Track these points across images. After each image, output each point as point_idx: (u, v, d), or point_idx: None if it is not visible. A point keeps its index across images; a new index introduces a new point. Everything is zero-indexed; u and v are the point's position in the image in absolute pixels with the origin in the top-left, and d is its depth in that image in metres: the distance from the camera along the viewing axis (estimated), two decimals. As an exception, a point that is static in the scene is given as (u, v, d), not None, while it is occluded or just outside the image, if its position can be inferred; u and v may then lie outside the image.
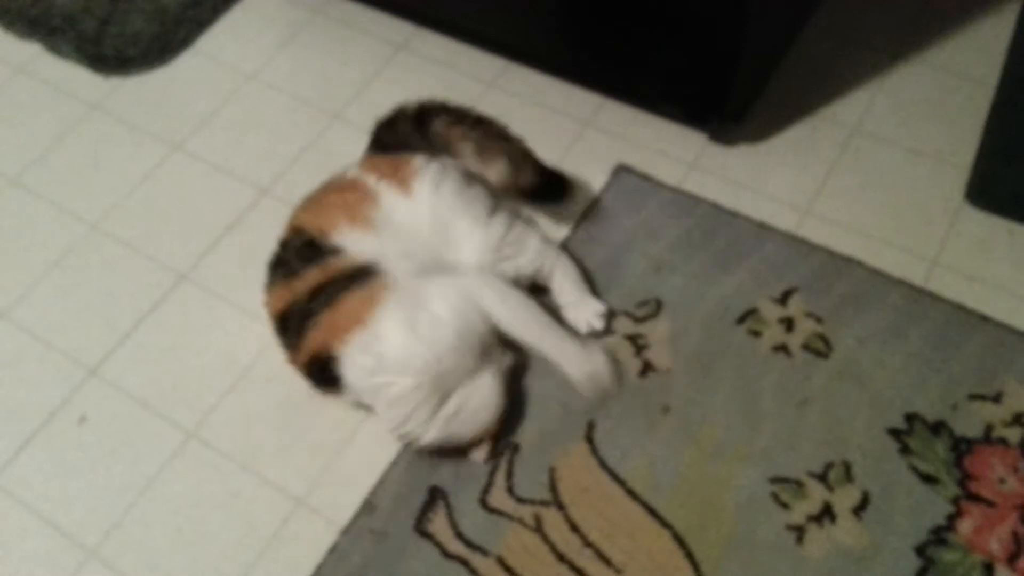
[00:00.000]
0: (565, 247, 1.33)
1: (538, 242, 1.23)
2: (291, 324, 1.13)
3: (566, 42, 1.49)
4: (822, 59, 1.55)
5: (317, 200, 1.22)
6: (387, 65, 1.60)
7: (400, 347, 1.07)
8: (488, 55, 1.59)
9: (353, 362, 1.09)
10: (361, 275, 1.11)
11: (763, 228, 1.34)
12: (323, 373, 1.12)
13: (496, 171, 1.24)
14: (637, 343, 1.24)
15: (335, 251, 1.12)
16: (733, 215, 1.36)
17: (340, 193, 1.20)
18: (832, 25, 1.60)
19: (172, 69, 1.62)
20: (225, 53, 1.64)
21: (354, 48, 1.63)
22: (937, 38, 1.57)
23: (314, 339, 1.11)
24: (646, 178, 1.41)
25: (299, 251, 1.15)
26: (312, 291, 1.11)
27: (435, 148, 1.25)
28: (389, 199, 1.17)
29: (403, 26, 1.64)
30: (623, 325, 1.26)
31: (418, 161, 1.20)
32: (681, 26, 1.32)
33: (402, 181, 1.18)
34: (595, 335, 1.24)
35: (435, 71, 1.58)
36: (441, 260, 1.16)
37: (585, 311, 1.24)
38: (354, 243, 1.13)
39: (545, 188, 1.28)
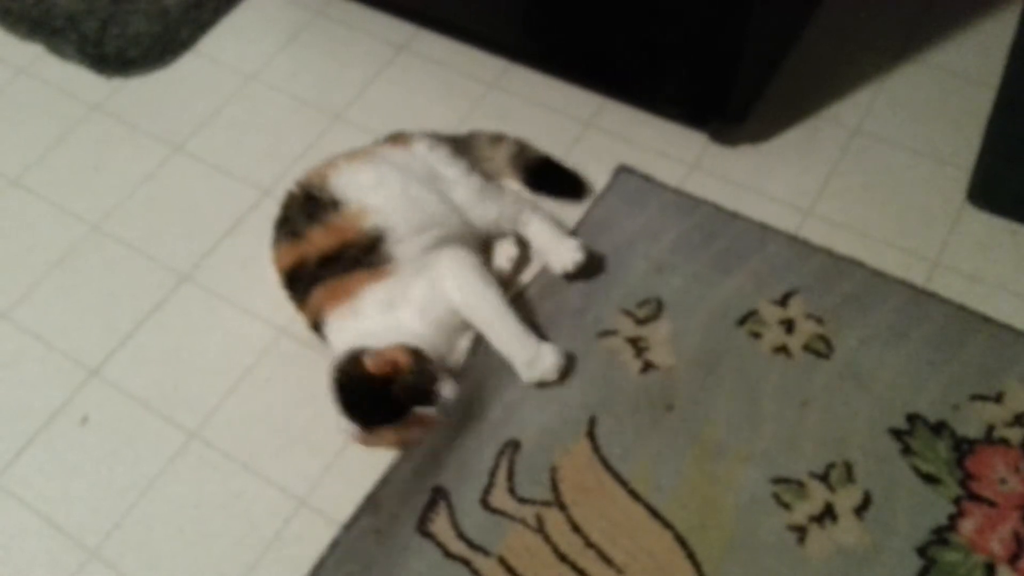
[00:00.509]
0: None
1: (515, 196, 1.35)
2: (299, 285, 1.22)
3: (567, 42, 1.49)
4: (824, 60, 1.55)
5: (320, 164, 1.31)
6: (388, 66, 1.60)
7: (375, 323, 1.16)
8: (489, 56, 1.59)
9: (335, 328, 1.18)
10: (370, 250, 1.19)
11: (764, 229, 1.34)
12: (320, 333, 1.21)
13: (506, 147, 1.40)
14: (638, 345, 1.24)
15: (335, 204, 1.21)
16: (734, 216, 1.36)
17: (344, 154, 1.32)
18: (834, 26, 1.60)
19: (173, 70, 1.62)
20: (226, 54, 1.64)
21: (355, 49, 1.63)
22: (939, 39, 1.57)
23: (315, 302, 1.20)
24: (647, 179, 1.41)
25: (301, 205, 1.24)
26: (321, 259, 1.19)
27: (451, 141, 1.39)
28: (389, 151, 1.31)
29: (404, 27, 1.65)
30: (625, 326, 1.26)
31: (417, 134, 1.35)
32: (682, 26, 1.32)
33: (403, 143, 1.33)
34: (579, 266, 1.27)
35: (436, 72, 1.58)
36: (435, 212, 1.25)
37: (563, 249, 1.28)
38: (355, 184, 1.23)
39: (551, 172, 1.41)
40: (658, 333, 1.25)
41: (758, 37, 1.34)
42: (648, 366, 1.22)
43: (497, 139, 1.41)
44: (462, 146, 1.39)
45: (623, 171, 1.42)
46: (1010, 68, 1.23)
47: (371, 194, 1.22)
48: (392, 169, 1.26)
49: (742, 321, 1.25)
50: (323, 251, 1.19)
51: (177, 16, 1.67)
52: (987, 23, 1.58)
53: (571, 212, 1.38)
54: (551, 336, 1.25)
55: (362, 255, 1.19)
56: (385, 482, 1.15)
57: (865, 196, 1.39)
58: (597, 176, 1.42)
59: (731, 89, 1.38)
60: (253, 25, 1.68)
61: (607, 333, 1.26)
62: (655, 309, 1.27)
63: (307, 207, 1.23)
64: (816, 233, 1.34)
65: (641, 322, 1.26)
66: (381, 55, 1.61)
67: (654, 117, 1.49)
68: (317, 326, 1.21)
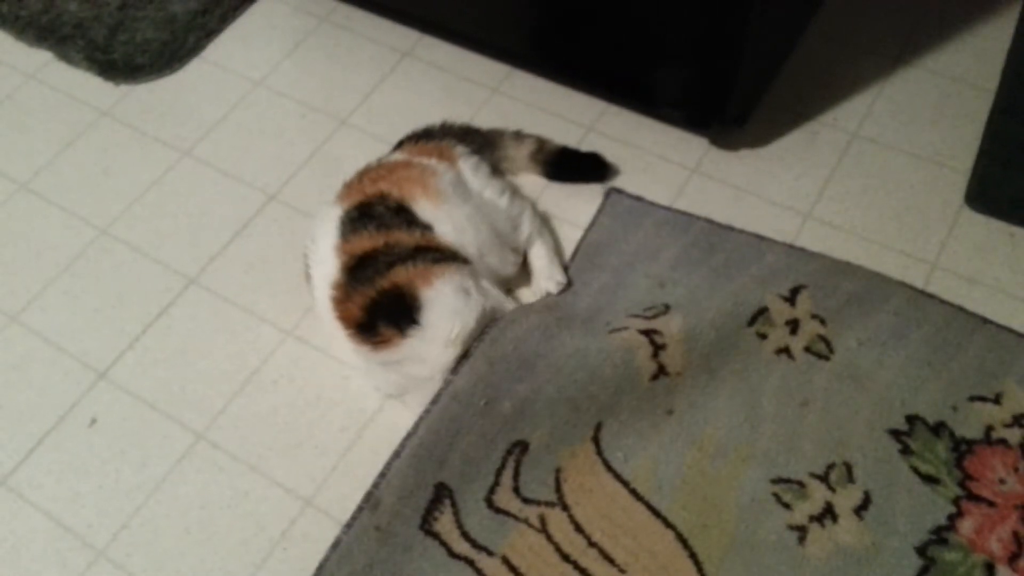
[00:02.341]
0: (566, 274, 1.34)
1: (530, 215, 1.36)
2: (375, 264, 1.20)
3: (568, 48, 1.50)
4: (823, 64, 1.57)
5: (384, 175, 1.29)
6: (392, 71, 1.62)
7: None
8: (492, 61, 1.60)
9: (442, 294, 1.18)
10: (456, 257, 1.24)
11: (761, 240, 1.35)
12: (394, 306, 1.17)
13: (528, 145, 1.44)
14: (654, 340, 1.22)
15: (427, 226, 1.25)
16: (729, 229, 1.37)
17: (406, 168, 1.30)
18: (832, 30, 1.61)
19: (181, 76, 1.64)
20: (233, 60, 1.66)
21: (360, 55, 1.65)
22: (937, 43, 1.58)
23: (401, 275, 1.18)
24: (638, 199, 1.41)
25: (393, 211, 1.24)
26: (417, 247, 1.21)
27: (475, 141, 1.42)
28: (444, 170, 1.31)
29: (409, 33, 1.66)
30: (636, 324, 1.25)
31: (459, 148, 1.37)
32: (683, 31, 1.34)
33: (451, 160, 1.34)
34: (560, 287, 1.33)
35: (440, 77, 1.60)
36: (493, 231, 1.31)
37: (547, 276, 1.33)
38: (438, 222, 1.26)
39: (570, 161, 1.46)
40: (671, 326, 1.23)
41: (758, 42, 1.35)
42: (661, 371, 1.21)
43: (520, 136, 1.45)
44: (487, 143, 1.42)
45: (613, 192, 1.42)
46: (1008, 72, 1.25)
47: (451, 233, 1.25)
48: (466, 210, 1.28)
49: (752, 320, 1.26)
50: (418, 243, 1.22)
51: (184, 23, 1.69)
52: (985, 28, 1.59)
53: (569, 236, 1.39)
54: (565, 336, 1.25)
55: (447, 258, 1.23)
56: (383, 477, 1.15)
57: (864, 199, 1.40)
58: (594, 186, 1.44)
59: (731, 94, 1.39)
60: (259, 31, 1.70)
61: (620, 330, 1.25)
62: (663, 309, 1.28)
63: (403, 216, 1.24)
64: (815, 236, 1.36)
65: (651, 319, 1.26)
66: (386, 61, 1.63)
67: (655, 122, 1.50)
68: (397, 302, 1.18)
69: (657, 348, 1.22)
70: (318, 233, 1.25)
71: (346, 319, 1.19)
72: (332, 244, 1.22)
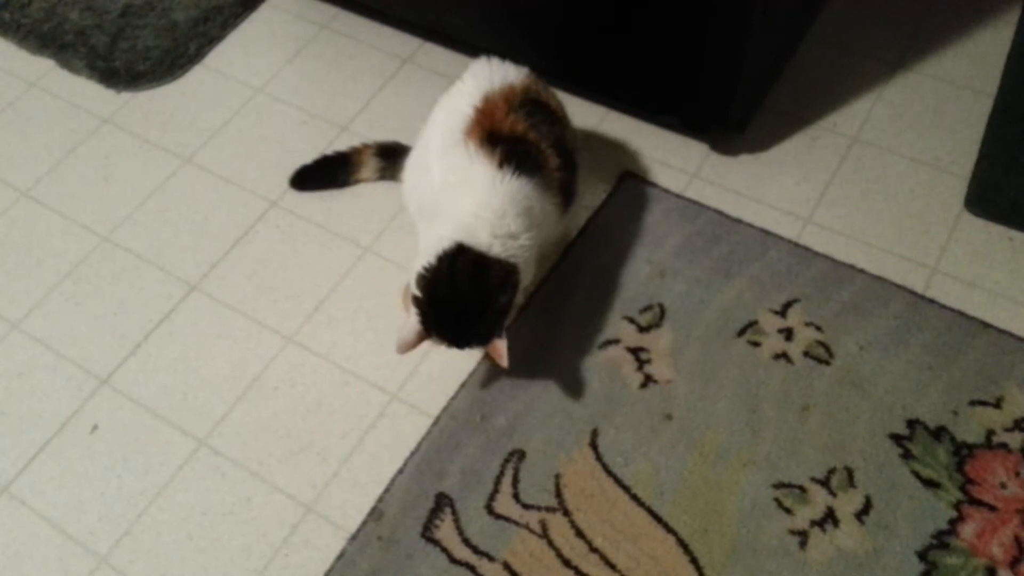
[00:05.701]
0: (571, 250, 1.35)
1: None
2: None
3: (570, 54, 1.51)
4: (822, 69, 1.57)
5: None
6: (393, 78, 1.62)
7: None
8: (492, 67, 1.61)
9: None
10: None
11: (766, 235, 1.36)
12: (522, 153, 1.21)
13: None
14: (639, 357, 1.25)
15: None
16: (737, 222, 1.38)
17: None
18: (832, 36, 1.61)
19: (182, 83, 1.64)
20: (234, 68, 1.66)
21: (361, 61, 1.65)
22: (936, 48, 1.59)
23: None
24: (651, 185, 1.43)
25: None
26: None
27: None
28: None
29: (409, 40, 1.67)
30: (627, 334, 1.27)
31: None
32: (683, 39, 1.34)
33: None
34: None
35: (440, 83, 1.59)
36: None
37: None
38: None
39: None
40: (659, 344, 1.26)
41: (758, 48, 1.35)
42: (648, 380, 1.23)
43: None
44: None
45: (627, 177, 1.44)
46: (1007, 77, 1.25)
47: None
48: None
49: (741, 332, 1.27)
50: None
51: (185, 30, 1.70)
52: (984, 33, 1.59)
53: (580, 216, 1.40)
54: (556, 344, 1.26)
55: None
56: (390, 489, 1.17)
57: (864, 204, 1.40)
58: (600, 184, 1.44)
59: (731, 100, 1.39)
60: (260, 39, 1.70)
61: (609, 343, 1.27)
62: (657, 316, 1.29)
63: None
64: (815, 241, 1.36)
65: (644, 329, 1.28)
66: (386, 67, 1.64)
67: (656, 127, 1.51)
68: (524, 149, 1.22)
69: (642, 363, 1.24)
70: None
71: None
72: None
